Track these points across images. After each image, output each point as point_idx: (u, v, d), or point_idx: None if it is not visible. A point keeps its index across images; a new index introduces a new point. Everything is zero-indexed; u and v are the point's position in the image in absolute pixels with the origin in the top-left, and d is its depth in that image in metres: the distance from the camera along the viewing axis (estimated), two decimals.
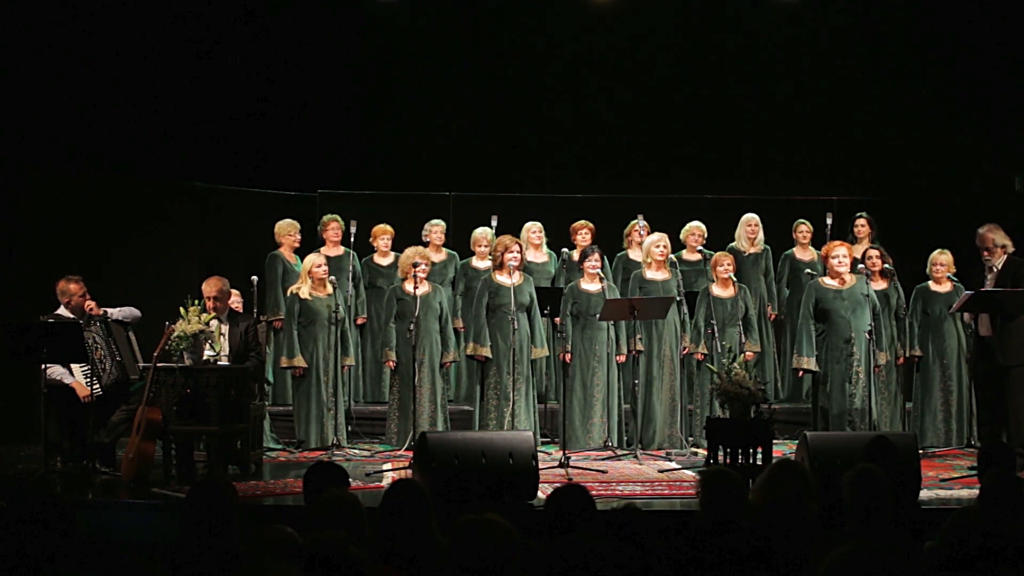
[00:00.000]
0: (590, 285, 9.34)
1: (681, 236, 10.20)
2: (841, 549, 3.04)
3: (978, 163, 12.09)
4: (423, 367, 9.14)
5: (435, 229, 10.60)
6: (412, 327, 8.86)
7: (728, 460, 7.49)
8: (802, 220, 10.71)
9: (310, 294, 9.32)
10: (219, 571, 3.85)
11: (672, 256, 9.67)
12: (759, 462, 7.45)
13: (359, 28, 11.96)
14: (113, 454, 8.13)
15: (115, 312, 8.37)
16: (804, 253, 10.55)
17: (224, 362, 7.98)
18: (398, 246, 10.36)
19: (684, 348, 9.35)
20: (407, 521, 3.92)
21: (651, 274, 9.45)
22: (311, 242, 10.56)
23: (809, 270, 9.64)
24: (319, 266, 9.37)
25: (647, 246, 9.53)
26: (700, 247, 9.86)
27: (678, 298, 9.29)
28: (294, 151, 11.76)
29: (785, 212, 11.09)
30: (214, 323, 8.00)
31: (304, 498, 4.69)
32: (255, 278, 9.63)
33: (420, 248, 9.49)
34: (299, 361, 9.23)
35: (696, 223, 10.24)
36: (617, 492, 7.43)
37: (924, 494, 7.08)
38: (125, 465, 7.67)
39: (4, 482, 7.86)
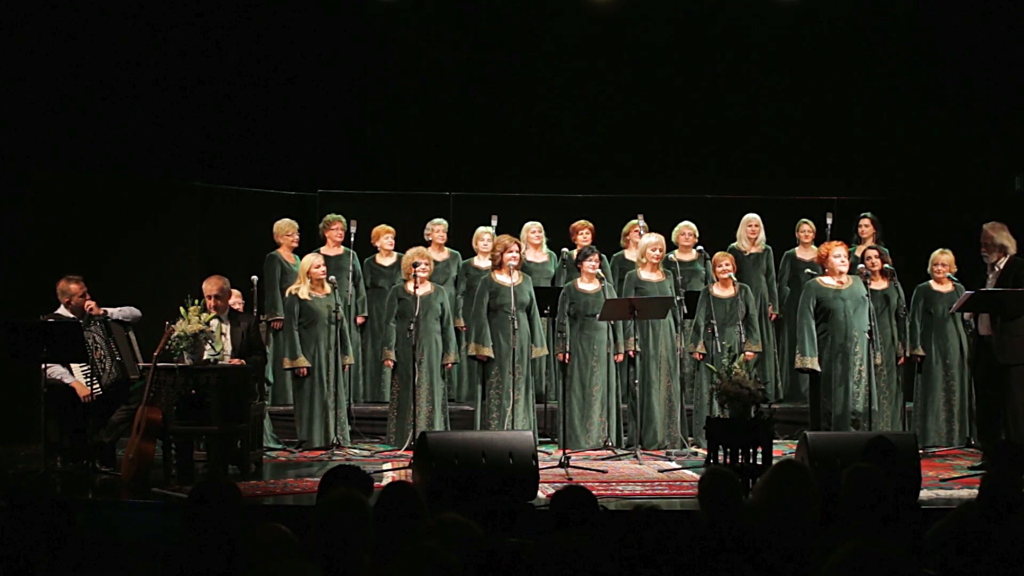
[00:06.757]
0: (588, 285, 9.34)
1: (673, 237, 10.22)
2: (844, 548, 3.03)
3: (978, 163, 12.09)
4: (422, 367, 9.14)
5: (437, 228, 10.60)
6: (412, 327, 8.86)
7: (728, 460, 7.49)
8: (805, 220, 10.72)
9: (309, 294, 9.32)
10: (221, 572, 3.85)
11: (669, 255, 9.68)
12: (759, 462, 7.45)
13: (359, 28, 11.96)
14: (113, 454, 8.13)
15: (115, 312, 8.38)
16: (806, 252, 10.55)
17: (227, 361, 7.98)
18: (398, 246, 10.38)
19: (680, 348, 9.35)
20: (401, 523, 3.92)
21: (646, 275, 9.46)
22: (311, 242, 10.56)
23: (809, 269, 9.63)
24: (318, 266, 9.36)
25: (643, 247, 9.52)
26: (700, 247, 9.85)
27: (678, 298, 9.30)
28: (294, 151, 11.75)
29: (785, 212, 11.10)
30: (215, 322, 8.01)
31: (317, 500, 4.67)
32: (255, 278, 9.64)
33: (421, 248, 9.49)
34: (302, 361, 9.23)
35: (687, 223, 10.27)
36: (617, 492, 7.43)
37: (924, 494, 7.09)
38: (125, 465, 7.67)
39: (4, 482, 7.86)
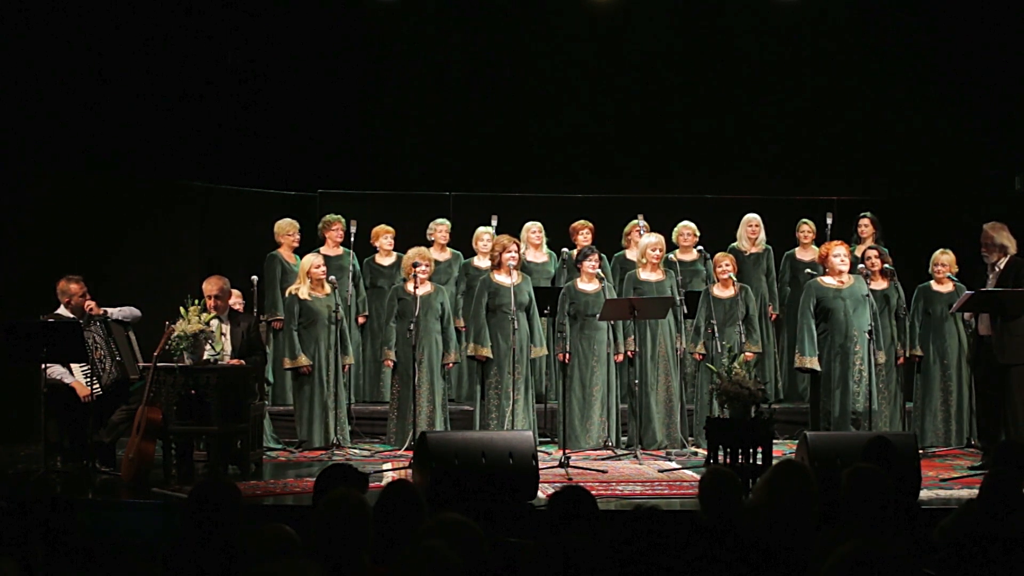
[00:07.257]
0: (587, 285, 9.34)
1: (673, 237, 10.23)
2: (844, 548, 3.03)
3: (978, 163, 12.09)
4: (422, 367, 9.14)
5: (440, 228, 10.60)
6: (412, 327, 8.86)
7: (728, 460, 7.49)
8: (805, 220, 10.72)
9: (309, 294, 9.32)
10: (221, 572, 3.85)
11: (669, 255, 9.68)
12: (759, 462, 7.45)
13: (359, 28, 11.96)
14: (113, 454, 8.13)
15: (115, 312, 8.37)
16: (806, 253, 10.55)
17: (227, 361, 7.98)
18: (398, 246, 10.38)
19: (680, 348, 9.36)
20: (401, 523, 3.92)
21: (645, 275, 9.46)
22: (311, 242, 10.56)
23: (809, 270, 9.64)
24: (318, 266, 9.36)
25: (643, 247, 9.52)
26: (700, 247, 9.86)
27: (678, 298, 9.30)
28: (294, 151, 11.76)
29: (786, 212, 11.10)
30: (215, 323, 8.01)
31: (313, 500, 4.67)
32: (255, 278, 9.64)
33: (421, 248, 9.49)
34: (303, 360, 9.22)
35: (687, 223, 10.28)
36: (617, 492, 7.43)
37: (924, 494, 7.09)
38: (125, 465, 7.67)
39: (4, 482, 7.86)
